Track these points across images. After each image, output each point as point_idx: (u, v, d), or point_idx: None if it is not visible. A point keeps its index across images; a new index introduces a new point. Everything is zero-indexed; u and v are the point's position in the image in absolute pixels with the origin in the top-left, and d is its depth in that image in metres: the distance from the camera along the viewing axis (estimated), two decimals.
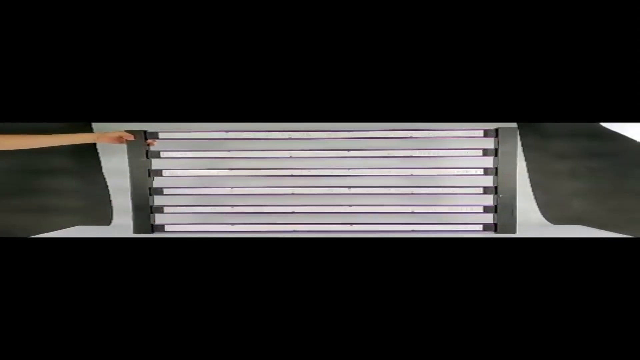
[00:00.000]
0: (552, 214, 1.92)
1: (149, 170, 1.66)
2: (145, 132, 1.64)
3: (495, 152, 1.62)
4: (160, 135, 1.67)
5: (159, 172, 1.68)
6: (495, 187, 1.62)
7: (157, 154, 1.68)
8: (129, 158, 1.64)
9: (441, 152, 1.71)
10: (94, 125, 1.93)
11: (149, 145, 1.66)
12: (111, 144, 1.66)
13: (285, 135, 1.69)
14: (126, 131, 1.62)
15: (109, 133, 1.61)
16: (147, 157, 1.65)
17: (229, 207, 1.72)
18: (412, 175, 1.68)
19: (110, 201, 1.97)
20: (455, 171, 1.67)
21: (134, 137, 1.62)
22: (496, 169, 1.61)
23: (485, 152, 1.65)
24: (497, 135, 1.60)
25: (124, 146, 1.64)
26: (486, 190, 1.64)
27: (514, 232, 1.60)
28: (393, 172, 1.69)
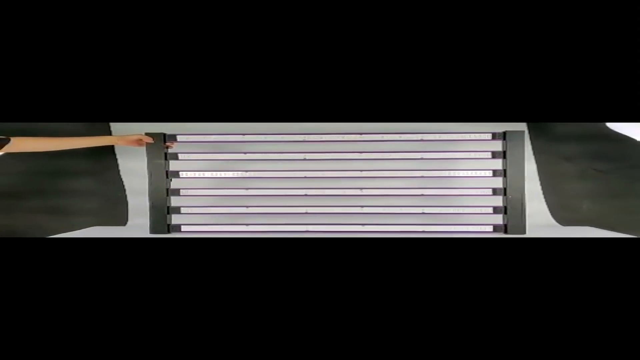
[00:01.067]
0: (561, 215, 1.93)
1: (166, 171, 1.70)
2: (164, 134, 1.68)
3: (504, 155, 1.64)
4: (179, 138, 1.72)
5: (176, 174, 1.72)
6: (504, 189, 1.64)
7: (175, 156, 1.72)
8: (148, 160, 1.68)
9: (451, 155, 1.73)
10: (112, 125, 1.95)
11: (167, 147, 1.70)
12: (130, 147, 1.69)
13: (300, 138, 1.72)
14: (146, 134, 1.66)
15: (128, 136, 1.64)
16: (165, 159, 1.69)
17: (244, 208, 1.75)
18: (422, 177, 1.71)
19: (127, 202, 2.00)
20: (465, 173, 1.70)
21: (153, 140, 1.66)
22: (505, 170, 1.64)
23: (494, 155, 1.67)
24: (504, 138, 1.63)
25: (142, 148, 1.68)
26: (495, 192, 1.67)
27: (524, 233, 1.62)
28: (404, 174, 1.72)
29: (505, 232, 1.64)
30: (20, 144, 1.45)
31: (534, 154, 1.93)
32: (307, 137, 1.72)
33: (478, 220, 1.71)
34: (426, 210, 1.71)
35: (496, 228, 1.67)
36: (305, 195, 1.73)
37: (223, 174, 1.75)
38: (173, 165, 1.73)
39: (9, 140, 1.40)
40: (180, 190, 1.73)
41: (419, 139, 1.70)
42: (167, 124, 1.73)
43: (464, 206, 1.72)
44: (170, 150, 1.72)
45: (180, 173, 1.73)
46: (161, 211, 1.69)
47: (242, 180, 1.80)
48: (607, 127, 1.91)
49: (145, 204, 1.70)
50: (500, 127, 1.67)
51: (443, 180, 1.77)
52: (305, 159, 1.73)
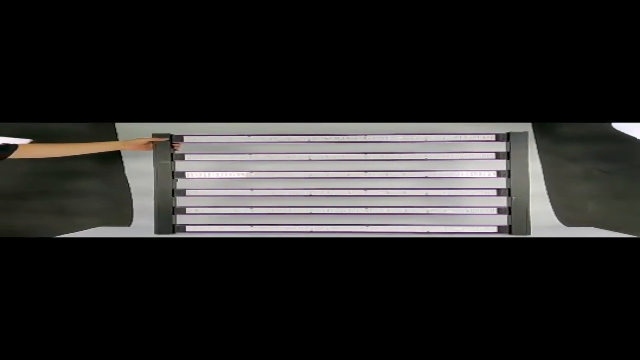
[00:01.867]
0: (566, 216, 1.93)
1: (172, 172, 1.71)
2: (171, 136, 1.69)
3: (508, 155, 1.64)
4: (185, 139, 1.73)
5: (182, 174, 1.73)
6: (509, 190, 1.65)
7: (181, 157, 1.73)
8: (155, 160, 1.69)
9: (455, 155, 1.73)
10: (118, 125, 1.96)
11: (173, 148, 1.71)
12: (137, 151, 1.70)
13: (305, 138, 1.73)
14: (153, 135, 1.67)
15: (135, 140, 1.65)
16: (171, 159, 1.70)
17: (249, 208, 1.76)
18: (427, 177, 1.71)
19: (132, 203, 2.00)
20: (469, 174, 1.70)
21: (165, 139, 1.67)
22: (509, 171, 1.64)
23: (498, 155, 1.67)
24: (508, 139, 1.63)
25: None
26: (500, 193, 1.67)
27: (528, 233, 1.62)
28: (408, 174, 1.72)
29: (510, 232, 1.64)
30: (26, 151, 1.47)
31: (539, 154, 1.93)
32: (312, 138, 1.73)
33: (482, 221, 1.71)
34: (430, 210, 1.71)
35: (500, 229, 1.67)
36: (310, 195, 1.73)
37: (228, 175, 1.76)
38: (179, 166, 1.74)
39: (17, 146, 1.43)
40: (186, 191, 1.74)
41: (423, 139, 1.71)
42: (173, 124, 1.74)
43: (469, 207, 1.72)
44: (176, 151, 1.72)
45: (186, 174, 1.74)
46: (166, 211, 1.69)
47: (247, 181, 1.81)
48: (612, 128, 1.90)
49: (151, 204, 1.71)
50: (504, 127, 1.67)
51: (447, 180, 1.78)
52: (310, 160, 1.73)
